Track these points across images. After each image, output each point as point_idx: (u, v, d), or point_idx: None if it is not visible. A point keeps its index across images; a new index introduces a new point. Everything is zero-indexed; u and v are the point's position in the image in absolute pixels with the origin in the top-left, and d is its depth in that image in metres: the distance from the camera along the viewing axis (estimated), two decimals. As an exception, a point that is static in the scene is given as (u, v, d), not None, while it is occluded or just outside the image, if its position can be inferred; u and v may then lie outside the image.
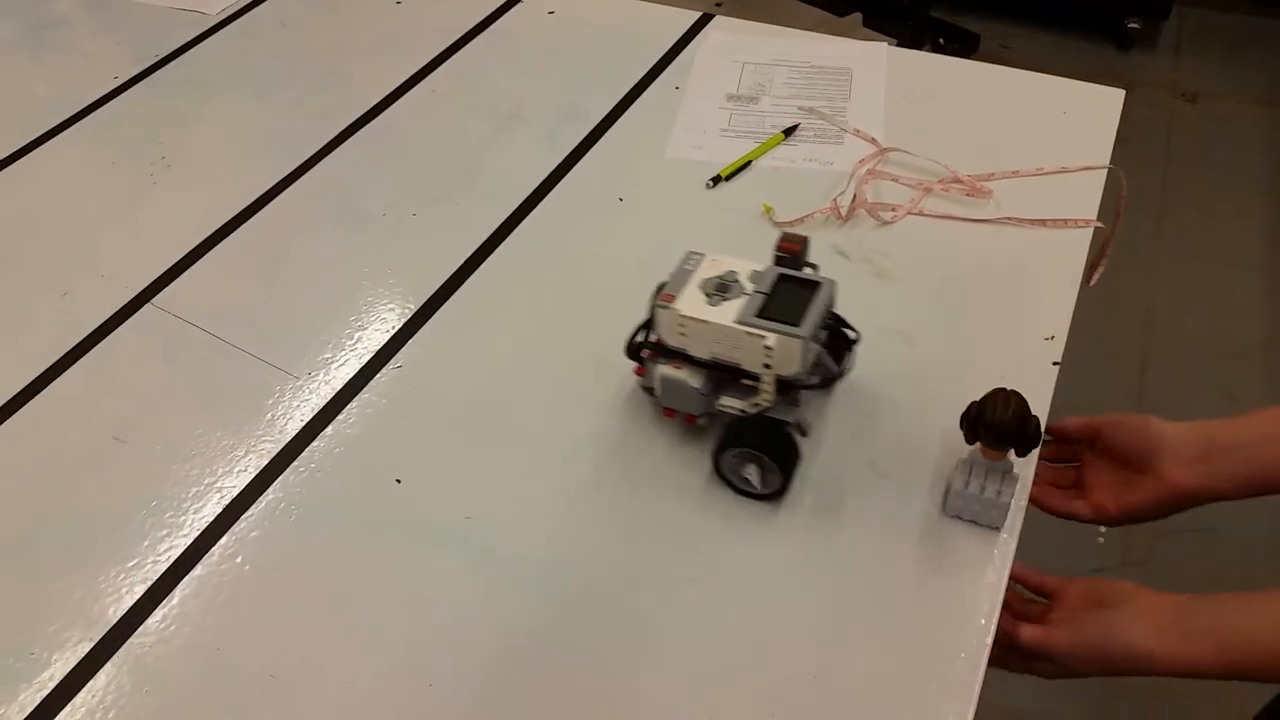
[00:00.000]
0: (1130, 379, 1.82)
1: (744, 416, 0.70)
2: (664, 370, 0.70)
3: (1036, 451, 0.70)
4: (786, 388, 0.68)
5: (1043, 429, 0.71)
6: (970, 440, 0.67)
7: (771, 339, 0.65)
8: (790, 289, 0.68)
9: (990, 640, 0.63)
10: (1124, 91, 1.05)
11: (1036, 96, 1.06)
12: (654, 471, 0.73)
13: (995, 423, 0.65)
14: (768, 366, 0.66)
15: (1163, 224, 2.14)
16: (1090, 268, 0.89)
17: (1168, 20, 2.61)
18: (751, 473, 0.69)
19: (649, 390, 0.74)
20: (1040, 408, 0.75)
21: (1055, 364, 0.79)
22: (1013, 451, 0.67)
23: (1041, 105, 1.05)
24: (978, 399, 0.66)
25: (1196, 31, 2.70)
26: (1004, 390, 0.66)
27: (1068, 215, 0.91)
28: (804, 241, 0.71)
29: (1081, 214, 0.91)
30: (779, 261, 0.71)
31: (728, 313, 0.67)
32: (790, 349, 0.65)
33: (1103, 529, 1.55)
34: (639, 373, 0.74)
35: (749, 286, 0.68)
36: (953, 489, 0.68)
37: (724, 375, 0.70)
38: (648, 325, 0.73)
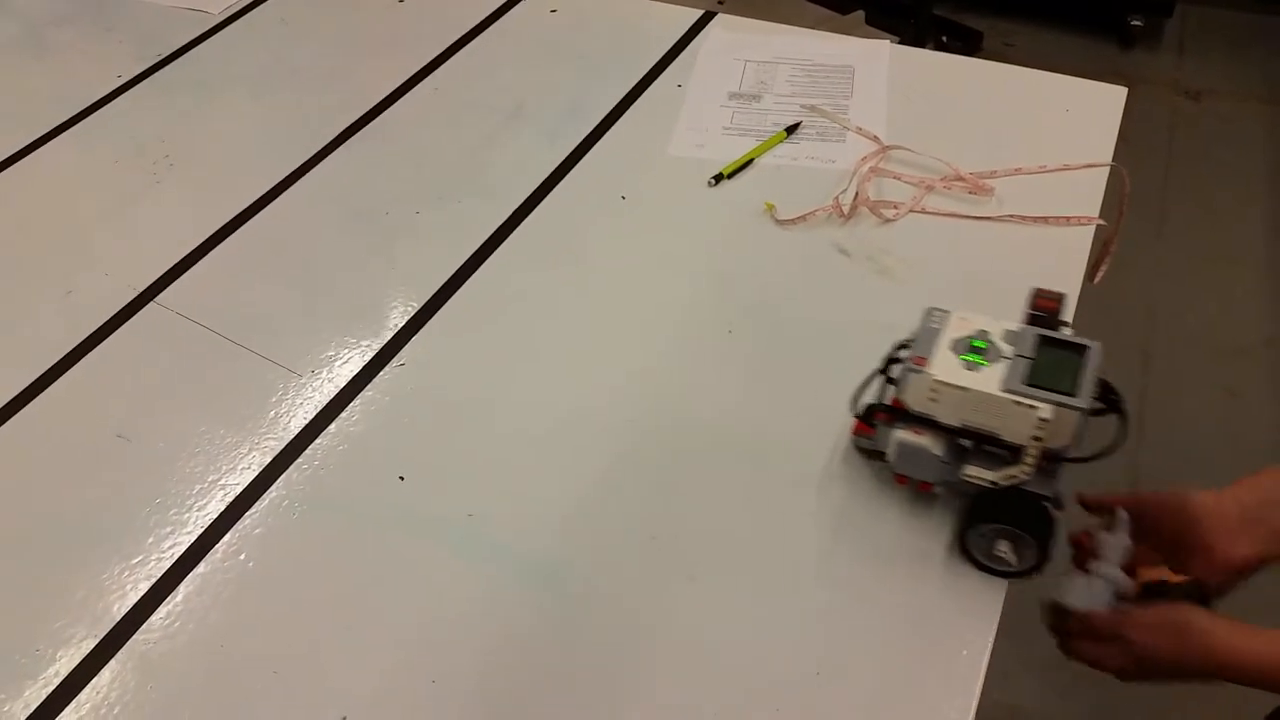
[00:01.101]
0: (1133, 377, 1.82)
1: (994, 488, 0.65)
2: (902, 436, 0.66)
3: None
4: (1049, 459, 0.64)
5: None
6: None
7: (1046, 410, 0.60)
8: (1056, 353, 0.63)
9: (992, 638, 0.64)
10: (1126, 89, 1.05)
11: (1039, 94, 1.06)
12: (646, 464, 0.73)
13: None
14: (1038, 439, 0.61)
15: (1164, 222, 2.14)
16: (1093, 266, 0.89)
17: (1171, 18, 2.61)
18: (1005, 550, 0.64)
19: (867, 452, 0.71)
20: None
21: (1057, 361, 0.79)
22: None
23: (1044, 103, 1.05)
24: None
25: (1199, 29, 2.69)
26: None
27: (1070, 213, 0.91)
28: (1061, 299, 0.68)
29: (1084, 212, 0.91)
30: (1034, 320, 0.67)
31: (990, 380, 0.62)
32: (1066, 420, 0.61)
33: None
34: (865, 432, 0.70)
35: (1007, 349, 0.64)
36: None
37: (968, 443, 0.65)
38: (887, 382, 0.69)
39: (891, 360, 0.69)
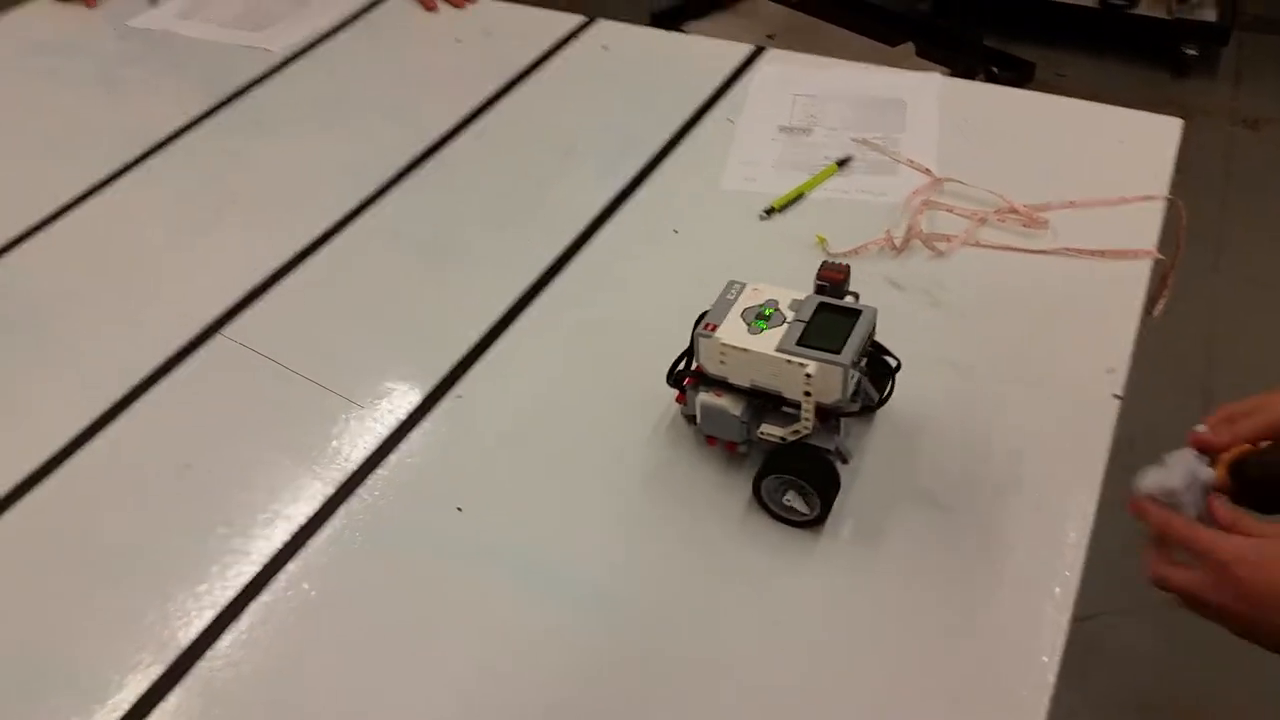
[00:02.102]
0: (1192, 411, 1.79)
1: (784, 444, 0.70)
2: (704, 398, 0.71)
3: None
4: (827, 415, 0.69)
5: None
6: (1239, 500, 0.61)
7: (812, 367, 0.66)
8: (831, 317, 0.69)
9: (1053, 679, 0.63)
10: (1182, 121, 1.04)
11: (1092, 126, 1.06)
12: (696, 498, 0.74)
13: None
14: (808, 394, 0.67)
15: (1222, 253, 2.11)
16: (1152, 299, 0.88)
17: (1226, 46, 2.58)
18: (792, 499, 0.70)
19: (690, 419, 0.75)
20: (1101, 442, 0.75)
21: (1117, 397, 0.78)
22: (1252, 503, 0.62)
23: (1098, 135, 1.04)
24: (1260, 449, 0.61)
25: (1256, 57, 2.66)
26: None
27: (1126, 246, 0.91)
28: (846, 270, 0.73)
29: (1140, 244, 0.91)
30: (820, 290, 0.72)
31: (768, 341, 0.68)
32: (831, 377, 0.66)
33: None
34: (680, 400, 0.75)
35: (790, 315, 0.70)
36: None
37: (764, 403, 0.71)
38: (689, 353, 0.73)
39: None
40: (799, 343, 0.67)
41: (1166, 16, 2.53)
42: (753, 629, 0.67)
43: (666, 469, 0.76)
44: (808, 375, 0.66)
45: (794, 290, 0.72)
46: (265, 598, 0.70)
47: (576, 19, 1.29)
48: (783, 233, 0.96)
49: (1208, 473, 0.62)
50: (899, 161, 1.04)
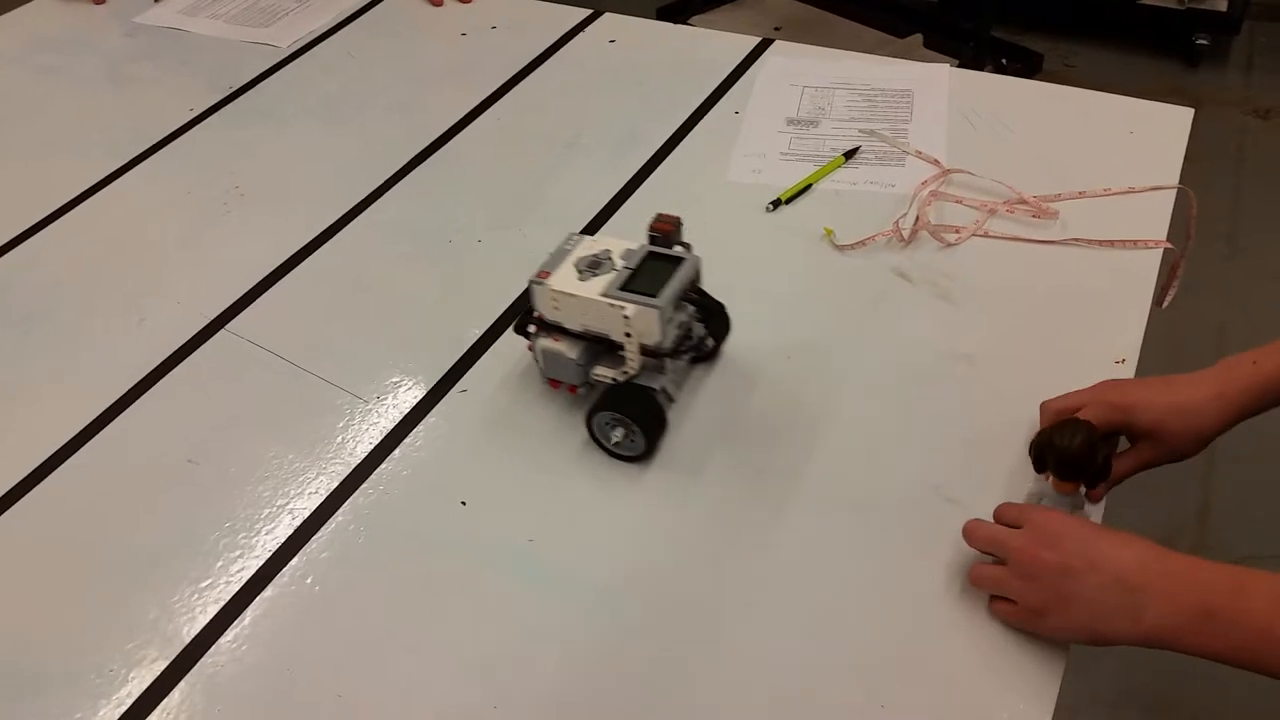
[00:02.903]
0: (1203, 402, 1.78)
1: (615, 384, 0.74)
2: (544, 344, 0.75)
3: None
4: (652, 356, 0.73)
5: (1112, 457, 0.70)
6: (1039, 469, 0.66)
7: (630, 309, 0.70)
8: (656, 265, 0.73)
9: (1061, 672, 0.62)
10: (1193, 110, 1.03)
11: (1102, 116, 1.05)
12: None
13: (1064, 450, 0.64)
14: (629, 335, 0.71)
15: (1235, 244, 2.09)
16: (1161, 290, 0.88)
17: (1238, 35, 2.56)
18: (620, 436, 0.74)
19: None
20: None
21: (1125, 388, 0.77)
22: (1083, 486, 0.66)
23: (1107, 125, 1.04)
24: (1046, 427, 0.65)
25: (1268, 46, 2.63)
26: (1074, 419, 0.65)
27: (1136, 236, 0.90)
28: (676, 222, 0.77)
29: (1150, 235, 0.90)
30: (653, 240, 0.76)
31: (595, 287, 0.72)
32: (649, 319, 0.70)
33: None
34: (530, 349, 0.78)
35: (620, 263, 0.73)
36: None
37: (599, 347, 0.75)
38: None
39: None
40: (621, 288, 0.71)
41: (1177, 6, 2.50)
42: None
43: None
44: (625, 317, 0.70)
45: (629, 241, 0.76)
46: (269, 592, 0.70)
47: (583, 12, 1.29)
48: (790, 225, 0.96)
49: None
50: (907, 153, 1.03)
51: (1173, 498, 1.57)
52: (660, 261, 0.74)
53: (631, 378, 0.74)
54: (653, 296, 0.70)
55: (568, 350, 0.75)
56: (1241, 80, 2.55)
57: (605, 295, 0.71)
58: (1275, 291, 2.00)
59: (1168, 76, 2.55)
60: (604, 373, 0.75)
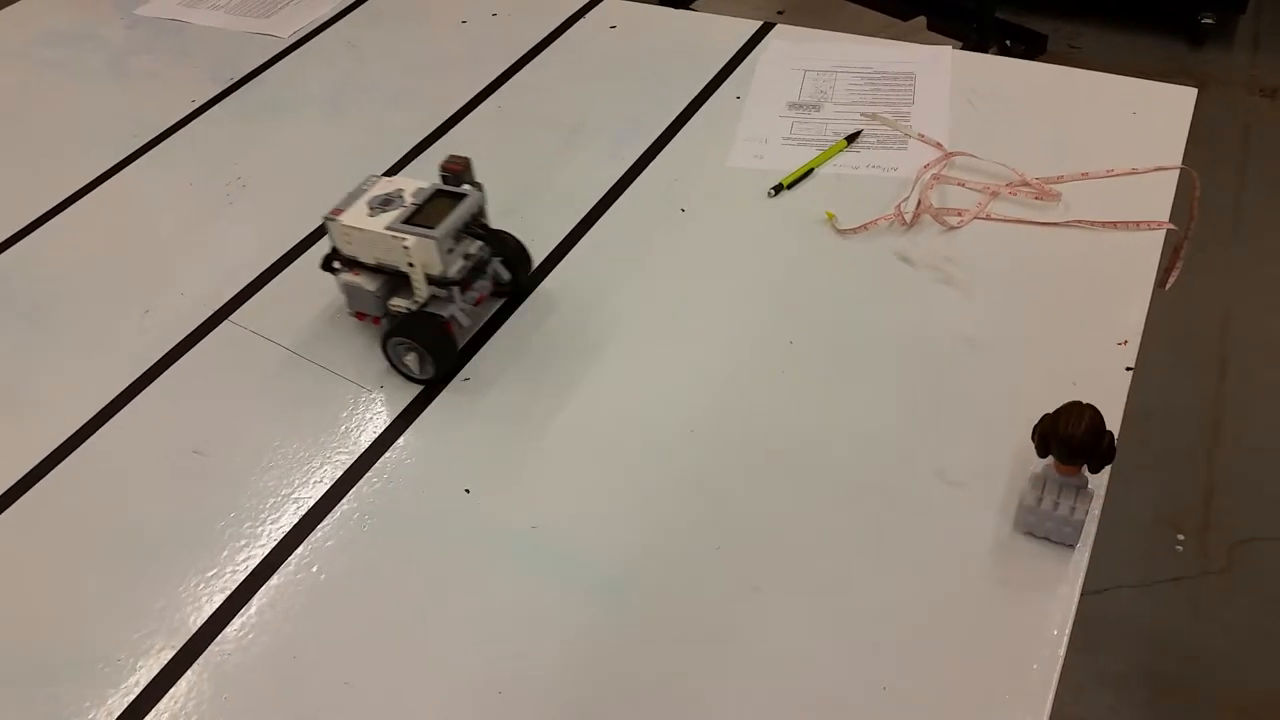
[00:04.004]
0: (1208, 384, 1.78)
1: (409, 313, 0.80)
2: (344, 277, 0.81)
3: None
4: (440, 286, 0.79)
5: (1116, 441, 0.70)
6: (1042, 454, 0.66)
7: (410, 241, 0.76)
8: (441, 201, 0.79)
9: (1063, 652, 0.63)
10: (1196, 90, 1.03)
11: (1105, 97, 1.04)
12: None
13: (1068, 437, 0.64)
14: (412, 265, 0.77)
15: (1241, 225, 2.08)
16: (1164, 271, 0.87)
17: (1244, 14, 2.54)
18: (411, 360, 0.80)
19: None
20: (1114, 414, 0.74)
21: (1129, 369, 0.77)
22: (1086, 467, 0.66)
23: (1110, 106, 1.03)
24: (1050, 411, 0.65)
25: (1275, 25, 2.62)
26: (1078, 403, 0.65)
27: (1139, 217, 0.89)
28: (466, 162, 0.83)
29: (1153, 216, 0.90)
30: (444, 180, 0.82)
31: (381, 222, 0.78)
32: (428, 250, 0.77)
33: (1180, 536, 1.51)
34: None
35: (409, 201, 0.79)
36: (1024, 505, 0.67)
37: (396, 279, 0.80)
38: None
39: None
40: (405, 221, 0.77)
41: (1183, -15, 2.49)
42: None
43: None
44: (405, 248, 0.76)
45: (422, 181, 0.82)
46: (275, 580, 0.70)
47: (583, -2, 1.29)
48: (791, 209, 0.96)
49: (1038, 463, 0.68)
50: (909, 136, 1.03)
51: (1177, 479, 1.57)
52: (445, 198, 0.80)
53: (422, 306, 0.80)
54: (431, 229, 0.76)
55: (366, 283, 0.80)
56: (1248, 60, 2.54)
57: (389, 229, 0.77)
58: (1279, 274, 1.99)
59: (1173, 57, 2.53)
60: (399, 303, 0.81)
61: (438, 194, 0.80)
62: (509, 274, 0.86)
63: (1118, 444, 0.70)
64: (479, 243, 0.81)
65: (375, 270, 0.80)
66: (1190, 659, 1.39)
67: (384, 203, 0.79)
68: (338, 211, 0.79)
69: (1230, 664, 1.41)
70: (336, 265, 0.82)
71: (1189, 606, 1.46)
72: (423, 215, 0.78)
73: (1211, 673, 1.38)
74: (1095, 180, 0.94)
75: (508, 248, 0.85)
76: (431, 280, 0.79)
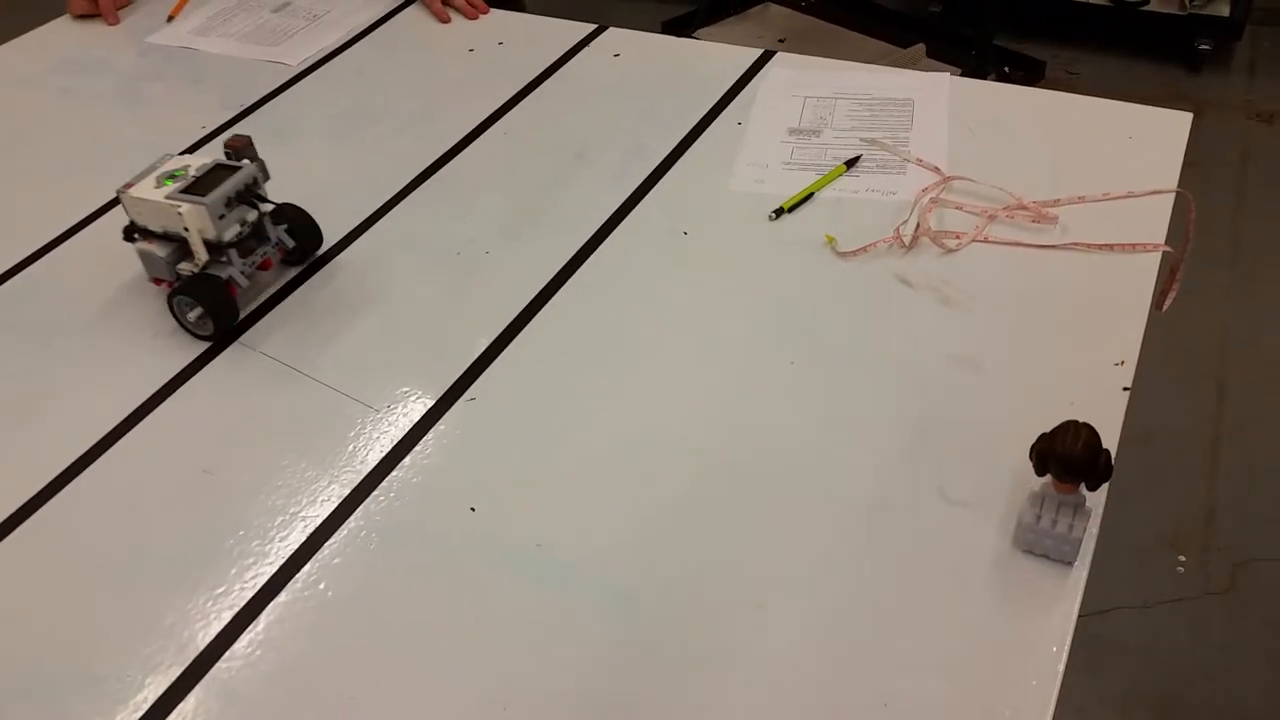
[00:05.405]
0: (1207, 405, 1.78)
1: (193, 275, 0.88)
2: (139, 246, 0.89)
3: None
4: (215, 250, 0.87)
5: (1113, 460, 0.70)
6: (1040, 473, 0.67)
7: (184, 208, 0.84)
8: (218, 174, 0.87)
9: (1062, 669, 0.63)
10: (1191, 114, 1.04)
11: (1101, 122, 1.06)
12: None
13: (1065, 456, 0.65)
14: (187, 230, 0.86)
15: (1238, 248, 2.10)
16: (1161, 293, 0.89)
17: (1241, 40, 2.57)
18: (195, 316, 0.88)
19: None
20: (1111, 434, 0.75)
21: (1126, 389, 0.78)
22: (1084, 485, 0.67)
23: (1107, 131, 1.05)
24: (1048, 431, 0.66)
25: (1270, 51, 2.64)
26: (1074, 422, 0.65)
27: (1135, 240, 0.91)
28: (247, 140, 0.90)
29: (1149, 239, 0.91)
30: (227, 156, 0.90)
31: (162, 193, 0.86)
32: (200, 215, 0.85)
33: (1181, 558, 1.52)
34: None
35: (192, 174, 0.87)
36: (1024, 523, 0.68)
37: (184, 246, 0.88)
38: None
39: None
40: (182, 191, 0.85)
41: (1179, 12, 2.52)
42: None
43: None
44: (179, 214, 0.85)
45: (208, 158, 0.89)
46: (283, 598, 0.71)
47: (588, 27, 1.31)
48: (792, 233, 0.97)
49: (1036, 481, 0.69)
50: (908, 160, 1.04)
51: (1178, 501, 1.57)
52: (223, 171, 0.87)
53: (203, 268, 0.87)
54: (202, 196, 0.84)
55: (158, 250, 0.88)
56: (1244, 85, 2.56)
57: (168, 198, 0.85)
58: (1278, 295, 2.00)
59: (1171, 82, 2.56)
60: (185, 267, 0.89)
61: (216, 167, 0.88)
62: (293, 242, 0.94)
63: (1116, 464, 0.71)
64: (255, 211, 0.88)
65: (164, 238, 0.88)
66: (1193, 680, 1.39)
67: (169, 177, 0.87)
68: (129, 185, 0.88)
69: (1233, 685, 1.41)
70: (135, 236, 0.89)
71: (1191, 628, 1.46)
72: (199, 185, 0.86)
73: (1214, 694, 1.38)
74: (1092, 204, 0.95)
75: (288, 218, 0.94)
76: (208, 244, 0.86)
